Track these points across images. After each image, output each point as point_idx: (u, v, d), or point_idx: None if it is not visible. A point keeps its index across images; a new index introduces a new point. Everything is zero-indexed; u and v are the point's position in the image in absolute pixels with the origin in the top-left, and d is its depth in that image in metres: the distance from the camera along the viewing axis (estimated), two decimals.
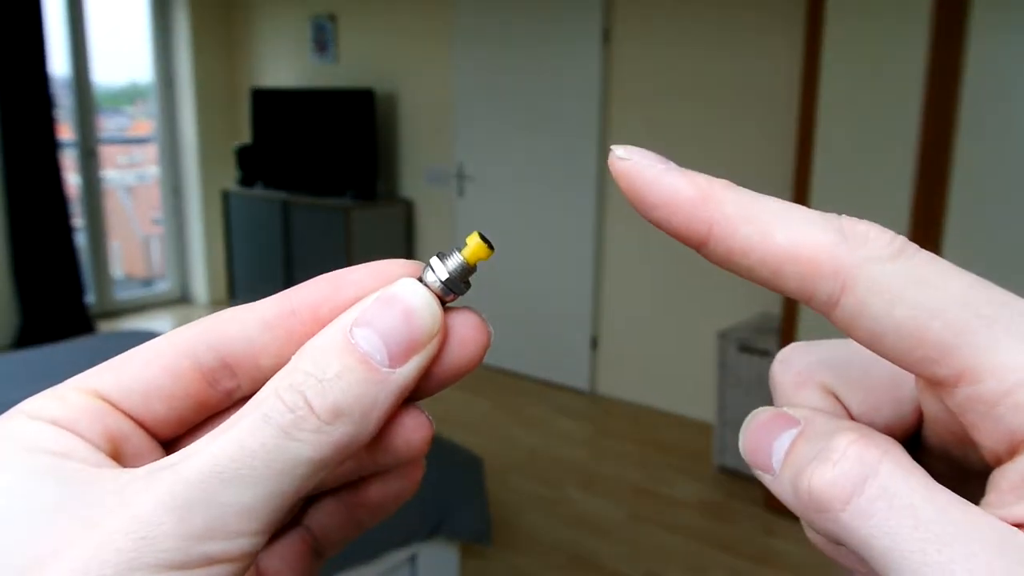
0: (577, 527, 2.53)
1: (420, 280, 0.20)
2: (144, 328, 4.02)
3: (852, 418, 0.20)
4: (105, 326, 4.63)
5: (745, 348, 2.78)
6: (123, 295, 5.04)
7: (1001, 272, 2.43)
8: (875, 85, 2.59)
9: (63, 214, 4.23)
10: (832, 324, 0.17)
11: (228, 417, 0.21)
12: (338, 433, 0.18)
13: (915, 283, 0.16)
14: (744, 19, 3.02)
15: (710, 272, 3.22)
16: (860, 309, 0.16)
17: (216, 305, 5.07)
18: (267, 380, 0.20)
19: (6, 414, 0.19)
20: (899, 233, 0.16)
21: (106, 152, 4.91)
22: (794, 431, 0.18)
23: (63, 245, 4.24)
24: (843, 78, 2.67)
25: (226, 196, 4.75)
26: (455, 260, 0.20)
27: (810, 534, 0.19)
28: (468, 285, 0.21)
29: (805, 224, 0.17)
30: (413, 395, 0.20)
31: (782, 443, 0.18)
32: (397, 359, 0.19)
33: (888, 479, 0.16)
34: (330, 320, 0.20)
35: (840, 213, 0.17)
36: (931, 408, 0.19)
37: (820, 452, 0.17)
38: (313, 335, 0.20)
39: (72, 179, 4.52)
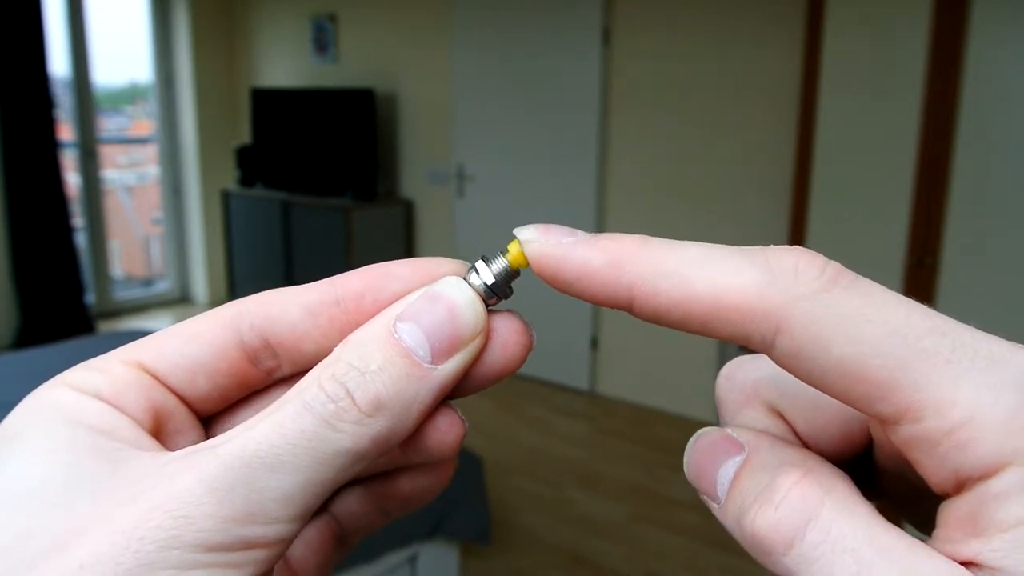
0: (577, 527, 2.53)
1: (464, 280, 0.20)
2: (144, 328, 4.02)
3: (799, 437, 0.19)
4: (105, 326, 4.63)
5: (745, 348, 2.78)
6: (123, 295, 5.04)
7: (1001, 273, 2.43)
8: (875, 86, 2.59)
9: (63, 214, 4.23)
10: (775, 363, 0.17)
11: (268, 396, 0.21)
12: (378, 426, 0.18)
13: (851, 318, 0.15)
14: (744, 19, 3.02)
15: None
16: (796, 350, 0.16)
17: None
18: (308, 364, 0.20)
19: (49, 383, 0.19)
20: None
21: (106, 152, 4.91)
22: (739, 459, 0.18)
23: (63, 245, 4.24)
24: (843, 76, 2.67)
25: (226, 196, 4.75)
26: (500, 264, 0.20)
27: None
28: (512, 290, 0.21)
29: (727, 269, 0.16)
30: (451, 394, 0.20)
31: (726, 471, 0.18)
32: (440, 356, 0.19)
33: (830, 522, 0.15)
34: (374, 313, 0.20)
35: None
36: (879, 434, 0.18)
37: (763, 492, 0.16)
38: (356, 326, 0.20)
39: (72, 179, 4.52)
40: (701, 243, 0.17)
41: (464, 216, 4.04)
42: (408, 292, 0.20)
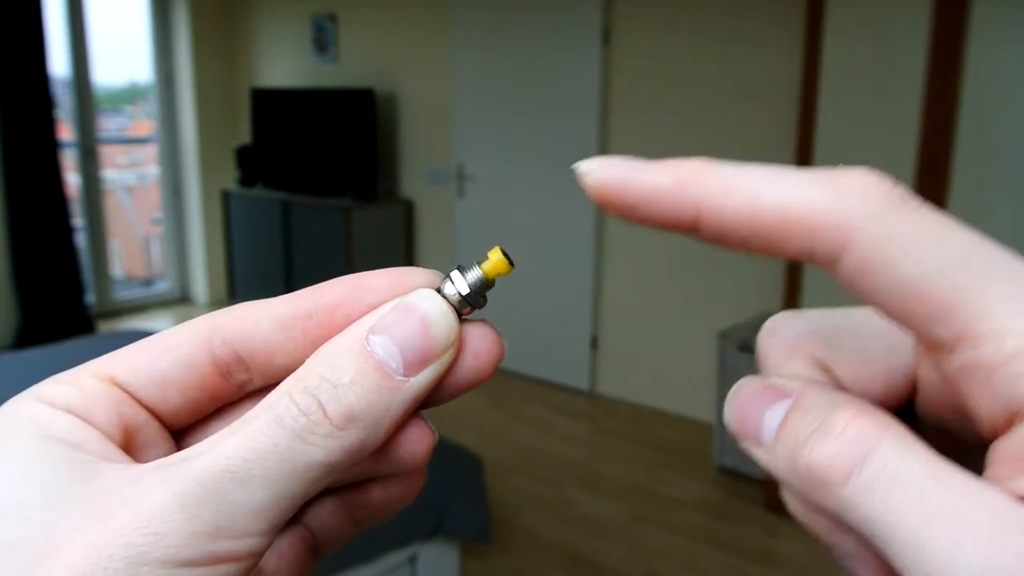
0: (577, 527, 2.53)
1: (439, 291, 0.20)
2: (144, 328, 4.02)
3: (844, 390, 0.19)
4: (105, 326, 4.63)
5: (745, 348, 2.78)
6: (123, 295, 5.04)
7: None
8: (875, 86, 2.59)
9: (63, 214, 4.23)
10: (836, 280, 0.17)
11: (239, 409, 0.21)
12: (350, 439, 0.18)
13: (918, 238, 0.15)
14: (744, 19, 3.02)
15: (710, 272, 3.22)
16: (862, 266, 0.15)
17: (216, 305, 5.07)
18: (279, 377, 0.19)
19: (20, 396, 0.19)
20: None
21: (106, 152, 4.91)
22: (787, 402, 0.17)
23: (63, 245, 4.24)
24: (843, 76, 2.67)
25: (226, 196, 4.75)
26: (475, 274, 0.20)
27: (792, 505, 0.19)
28: (485, 300, 0.21)
29: (796, 183, 0.16)
30: (423, 404, 0.20)
31: (774, 414, 0.17)
32: (412, 368, 0.19)
33: (889, 454, 0.15)
34: (346, 325, 0.20)
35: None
36: (928, 379, 0.18)
37: (820, 426, 0.16)
38: (328, 338, 0.20)
39: (72, 179, 4.52)
40: (767, 165, 0.17)
41: (464, 216, 4.04)
42: (382, 303, 0.20)
